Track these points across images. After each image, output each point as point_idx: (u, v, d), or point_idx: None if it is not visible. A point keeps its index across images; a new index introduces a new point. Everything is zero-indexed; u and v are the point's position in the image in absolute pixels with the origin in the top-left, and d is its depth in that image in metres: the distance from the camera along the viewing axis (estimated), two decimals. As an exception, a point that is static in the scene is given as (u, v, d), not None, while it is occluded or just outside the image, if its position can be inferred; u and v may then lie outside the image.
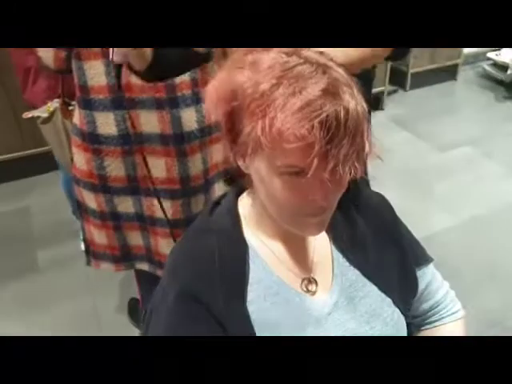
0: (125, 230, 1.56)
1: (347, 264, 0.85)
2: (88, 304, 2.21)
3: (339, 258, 0.85)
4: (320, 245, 0.85)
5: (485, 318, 2.06)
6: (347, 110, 0.65)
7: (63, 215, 2.73)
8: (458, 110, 3.83)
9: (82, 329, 2.06)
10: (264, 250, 0.82)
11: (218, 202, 0.88)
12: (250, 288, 0.79)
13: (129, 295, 2.22)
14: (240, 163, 0.77)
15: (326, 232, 0.86)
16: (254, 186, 0.79)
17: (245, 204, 0.85)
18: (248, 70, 0.69)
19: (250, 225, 0.83)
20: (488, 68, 4.12)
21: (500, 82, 4.02)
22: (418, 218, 2.69)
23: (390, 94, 3.90)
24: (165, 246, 1.53)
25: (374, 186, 1.08)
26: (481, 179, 2.99)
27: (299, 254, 0.84)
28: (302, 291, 0.82)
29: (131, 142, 1.40)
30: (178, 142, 1.41)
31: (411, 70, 3.92)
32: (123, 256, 1.61)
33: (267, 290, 0.80)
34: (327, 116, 0.64)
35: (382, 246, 0.87)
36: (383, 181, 2.99)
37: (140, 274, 1.74)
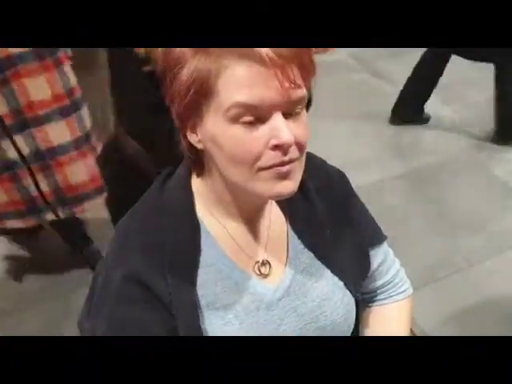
0: (23, 178, 1.50)
1: (302, 246, 0.83)
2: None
3: (294, 239, 0.83)
4: (276, 225, 0.83)
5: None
6: None
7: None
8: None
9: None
10: (217, 228, 0.79)
11: (170, 173, 0.83)
12: (200, 271, 0.76)
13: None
14: (193, 140, 0.72)
15: (283, 211, 0.84)
16: (210, 162, 0.74)
17: (199, 180, 0.80)
18: None
19: (203, 201, 0.79)
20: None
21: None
22: (371, 162, 2.72)
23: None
24: (73, 174, 1.51)
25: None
26: (437, 126, 3.00)
27: (254, 233, 0.81)
28: (254, 274, 0.80)
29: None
30: None
31: None
32: (29, 209, 1.55)
33: (218, 273, 0.77)
34: None
35: (337, 227, 0.86)
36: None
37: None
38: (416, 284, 1.02)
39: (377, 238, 0.93)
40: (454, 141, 2.90)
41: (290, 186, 0.70)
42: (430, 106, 2.98)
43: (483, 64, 2.67)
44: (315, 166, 0.86)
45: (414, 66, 2.86)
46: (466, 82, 3.26)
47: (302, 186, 0.75)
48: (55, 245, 2.16)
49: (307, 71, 0.67)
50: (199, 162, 0.77)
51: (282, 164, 0.67)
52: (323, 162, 0.90)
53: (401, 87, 2.94)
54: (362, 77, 3.52)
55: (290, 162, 0.68)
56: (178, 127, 0.74)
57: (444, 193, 2.55)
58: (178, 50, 0.66)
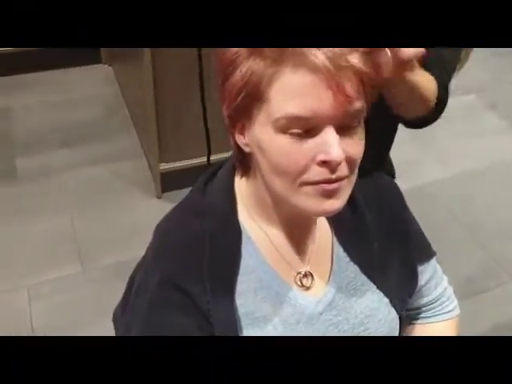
0: None
1: (347, 259, 0.79)
2: (65, 223, 2.15)
3: (340, 252, 0.79)
4: (321, 235, 0.79)
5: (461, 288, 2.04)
6: None
7: (48, 121, 2.61)
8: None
9: (59, 251, 2.02)
10: (259, 235, 0.75)
11: (214, 173, 0.80)
12: (240, 279, 0.73)
13: (107, 216, 2.17)
14: (240, 142, 0.69)
15: (329, 221, 0.79)
16: (255, 165, 0.71)
17: (243, 182, 0.76)
18: None
19: (246, 206, 0.76)
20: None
21: None
22: (410, 166, 2.64)
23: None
24: None
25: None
26: (481, 131, 2.90)
27: (298, 243, 0.77)
28: (295, 285, 0.76)
29: None
30: None
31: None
32: None
33: (258, 282, 0.74)
34: None
35: (386, 241, 0.81)
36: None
37: None
38: (456, 296, 0.96)
39: (426, 253, 0.88)
40: (495, 146, 2.79)
41: (335, 205, 0.65)
42: (475, 110, 2.89)
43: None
44: (365, 175, 0.81)
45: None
46: None
47: (351, 195, 0.70)
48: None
49: (368, 83, 0.63)
50: (245, 163, 0.74)
51: (329, 182, 0.63)
52: (374, 170, 0.85)
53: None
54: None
55: (338, 180, 0.63)
56: (227, 126, 0.70)
57: (485, 200, 2.45)
58: (233, 49, 0.62)
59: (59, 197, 2.25)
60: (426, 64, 0.84)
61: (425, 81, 0.91)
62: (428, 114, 0.98)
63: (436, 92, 0.96)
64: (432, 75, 0.96)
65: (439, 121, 0.98)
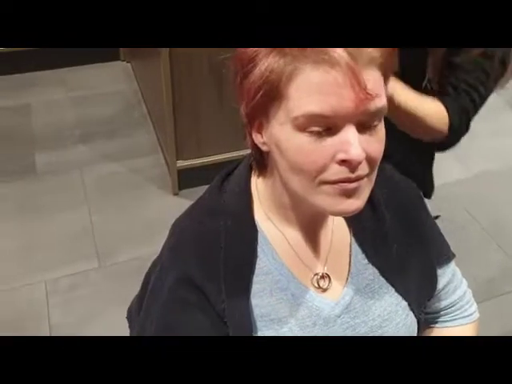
0: None
1: (366, 261, 0.77)
2: (83, 218, 2.16)
3: (358, 253, 0.77)
4: (339, 236, 0.77)
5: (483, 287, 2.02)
6: None
7: (66, 117, 2.63)
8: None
9: (77, 246, 2.04)
10: (276, 235, 0.74)
11: (230, 172, 0.79)
12: (255, 279, 0.72)
13: (124, 212, 2.18)
14: (258, 141, 0.68)
15: (347, 221, 0.78)
16: (273, 164, 0.70)
17: (259, 182, 0.76)
18: None
19: (263, 205, 0.75)
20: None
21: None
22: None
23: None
24: None
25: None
26: (501, 131, 2.85)
27: (315, 243, 0.76)
28: (312, 287, 0.75)
29: None
30: None
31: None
32: None
33: (275, 283, 0.73)
34: None
35: (405, 243, 0.79)
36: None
37: None
38: (476, 298, 0.94)
39: (445, 255, 0.86)
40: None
41: (354, 205, 0.64)
42: (495, 109, 2.83)
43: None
44: (385, 175, 0.80)
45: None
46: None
47: (371, 195, 0.69)
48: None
49: (387, 76, 0.62)
50: (262, 162, 0.73)
51: (348, 180, 0.62)
52: (393, 171, 0.84)
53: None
54: None
55: (358, 179, 0.62)
56: (244, 124, 0.70)
57: (505, 201, 2.41)
58: (252, 48, 0.62)
59: (77, 192, 2.27)
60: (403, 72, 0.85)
61: (423, 108, 0.92)
62: (442, 139, 0.99)
63: (445, 119, 0.97)
64: (443, 103, 0.97)
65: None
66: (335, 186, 0.62)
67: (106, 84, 2.87)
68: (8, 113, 2.65)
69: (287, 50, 0.58)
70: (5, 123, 2.59)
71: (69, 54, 2.76)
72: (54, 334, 1.74)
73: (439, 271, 0.84)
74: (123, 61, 3.01)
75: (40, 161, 2.41)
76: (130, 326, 0.94)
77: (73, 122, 2.62)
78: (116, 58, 2.99)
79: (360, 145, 0.60)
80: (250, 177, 0.76)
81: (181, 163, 2.20)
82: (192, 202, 0.80)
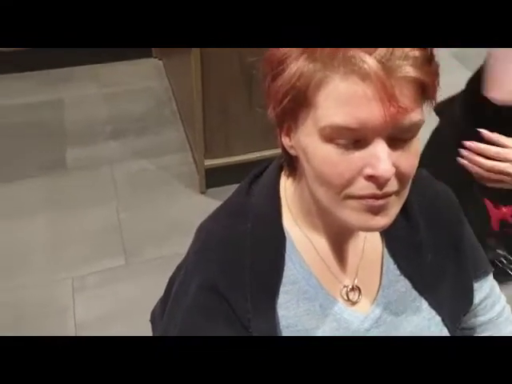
0: None
1: (398, 273, 0.74)
2: (111, 215, 2.16)
3: (390, 264, 0.74)
4: (371, 246, 0.74)
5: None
6: None
7: (98, 113, 2.64)
8: None
9: (104, 243, 2.04)
10: (305, 243, 0.71)
11: (259, 174, 0.76)
12: (282, 289, 0.69)
13: (152, 210, 2.18)
14: (286, 144, 0.66)
15: (380, 232, 0.75)
16: (301, 168, 0.67)
17: (288, 184, 0.73)
18: None
19: (291, 210, 0.72)
20: None
21: None
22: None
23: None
24: None
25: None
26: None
27: (345, 253, 0.73)
28: (341, 299, 0.72)
29: None
30: None
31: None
32: None
33: (302, 294, 0.70)
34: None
35: (440, 255, 0.75)
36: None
37: None
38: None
39: (483, 269, 0.82)
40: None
41: (381, 222, 0.61)
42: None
43: None
44: (421, 183, 0.76)
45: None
46: None
47: (405, 203, 0.65)
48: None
49: (426, 92, 0.58)
50: (292, 164, 0.70)
51: (375, 197, 0.58)
52: (431, 178, 0.80)
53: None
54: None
55: (385, 196, 0.59)
56: (274, 125, 0.67)
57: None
58: (283, 49, 0.59)
59: (107, 188, 2.28)
60: None
61: None
62: None
63: None
64: None
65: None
66: (361, 201, 0.59)
67: (138, 80, 2.87)
68: (42, 107, 2.68)
69: (317, 55, 0.56)
70: (38, 118, 2.61)
71: (102, 51, 2.77)
72: (79, 331, 1.74)
73: (476, 285, 0.80)
74: (155, 58, 3.01)
75: (70, 156, 2.43)
76: (153, 329, 0.92)
77: (104, 117, 2.63)
78: (148, 55, 3.00)
79: (390, 160, 0.56)
80: (279, 180, 0.74)
81: (209, 162, 2.18)
82: (219, 202, 0.78)
